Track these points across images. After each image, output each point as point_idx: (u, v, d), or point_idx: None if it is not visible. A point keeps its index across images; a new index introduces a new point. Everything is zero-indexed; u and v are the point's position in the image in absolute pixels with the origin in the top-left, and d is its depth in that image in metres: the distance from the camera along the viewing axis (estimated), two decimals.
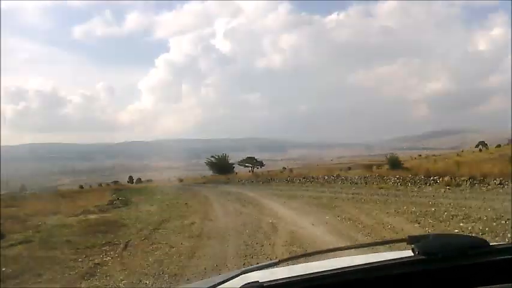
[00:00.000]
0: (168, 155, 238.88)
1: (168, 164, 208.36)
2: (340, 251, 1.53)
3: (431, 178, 18.55)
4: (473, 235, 1.80)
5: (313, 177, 26.89)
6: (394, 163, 32.07)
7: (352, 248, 1.83)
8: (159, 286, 6.09)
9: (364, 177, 22.34)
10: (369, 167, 37.47)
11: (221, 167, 48.18)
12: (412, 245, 1.04)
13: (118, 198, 22.53)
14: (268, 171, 49.75)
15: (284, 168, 69.85)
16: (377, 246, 1.71)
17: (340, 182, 22.92)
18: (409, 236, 1.08)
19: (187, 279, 6.20)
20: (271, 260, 1.40)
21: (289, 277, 1.03)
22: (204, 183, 38.55)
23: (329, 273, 1.02)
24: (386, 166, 32.16)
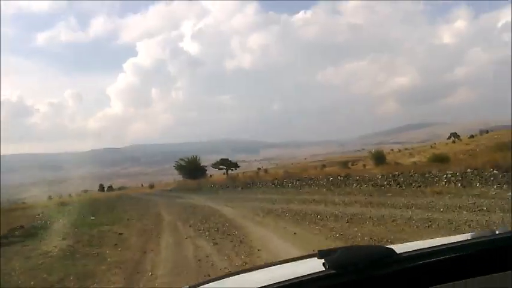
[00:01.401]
0: (140, 161, 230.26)
1: (141, 169, 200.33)
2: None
3: None
4: (380, 245, 1.39)
5: (311, 179, 20.02)
6: (379, 157, 29.14)
7: (261, 268, 1.52)
8: None
9: (393, 176, 15.32)
10: (344, 163, 36.84)
11: (192, 170, 43.12)
12: (323, 260, 1.04)
13: (20, 227, 14.70)
14: (244, 173, 44.56)
15: (259, 168, 65.01)
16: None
17: (355, 185, 15.92)
18: (319, 251, 1.08)
19: None
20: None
21: None
22: (170, 190, 32.60)
23: None
24: (363, 162, 31.94)
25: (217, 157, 58.39)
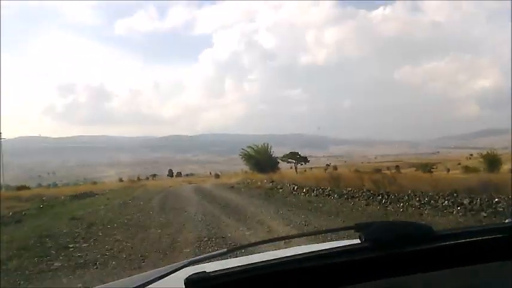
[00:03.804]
0: (210, 149, 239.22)
1: (211, 157, 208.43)
2: (289, 240, 1.44)
3: None
4: (417, 222, 1.11)
5: None
6: (493, 162, 24.94)
7: (300, 236, 1.75)
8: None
9: None
10: (423, 166, 32.93)
11: (262, 161, 36.65)
12: (359, 233, 1.02)
13: None
14: (311, 168, 45.15)
15: (327, 165, 65.79)
16: (327, 236, 1.84)
17: None
18: (356, 224, 1.05)
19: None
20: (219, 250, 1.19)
21: (236, 266, 0.96)
22: (233, 187, 24.59)
23: (276, 261, 0.97)
24: (444, 166, 28.17)
25: (284, 150, 56.95)
